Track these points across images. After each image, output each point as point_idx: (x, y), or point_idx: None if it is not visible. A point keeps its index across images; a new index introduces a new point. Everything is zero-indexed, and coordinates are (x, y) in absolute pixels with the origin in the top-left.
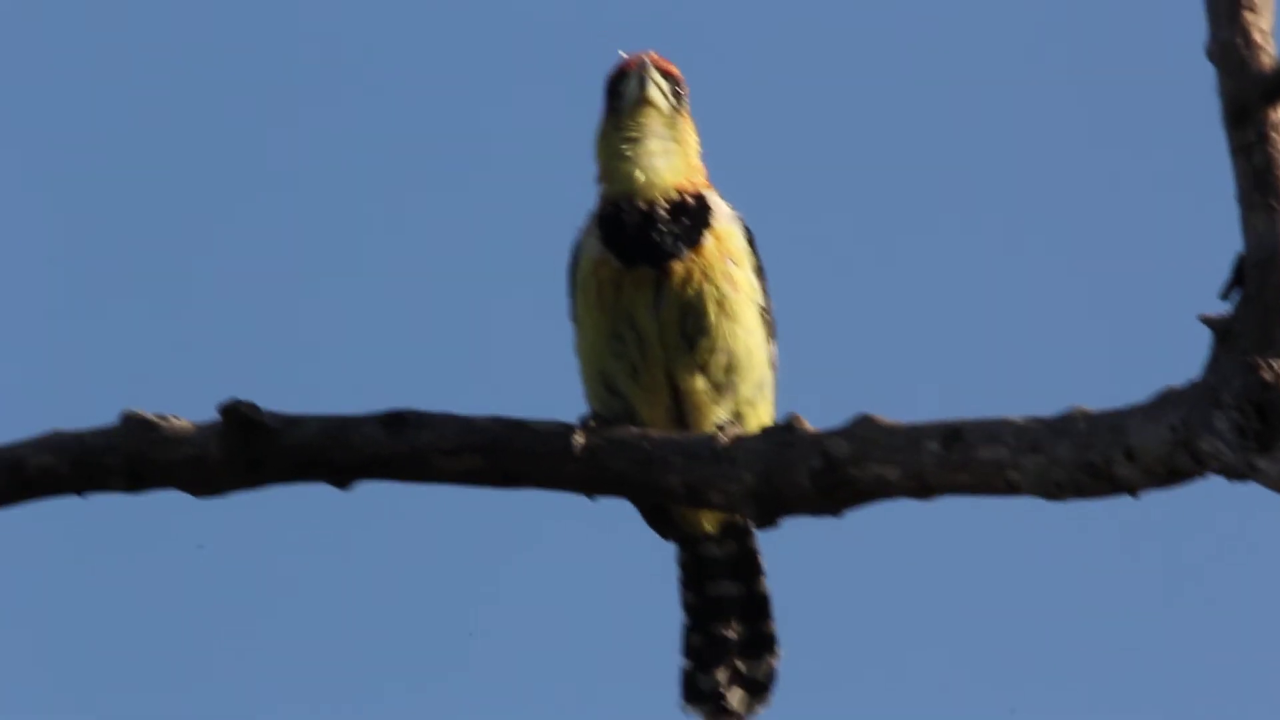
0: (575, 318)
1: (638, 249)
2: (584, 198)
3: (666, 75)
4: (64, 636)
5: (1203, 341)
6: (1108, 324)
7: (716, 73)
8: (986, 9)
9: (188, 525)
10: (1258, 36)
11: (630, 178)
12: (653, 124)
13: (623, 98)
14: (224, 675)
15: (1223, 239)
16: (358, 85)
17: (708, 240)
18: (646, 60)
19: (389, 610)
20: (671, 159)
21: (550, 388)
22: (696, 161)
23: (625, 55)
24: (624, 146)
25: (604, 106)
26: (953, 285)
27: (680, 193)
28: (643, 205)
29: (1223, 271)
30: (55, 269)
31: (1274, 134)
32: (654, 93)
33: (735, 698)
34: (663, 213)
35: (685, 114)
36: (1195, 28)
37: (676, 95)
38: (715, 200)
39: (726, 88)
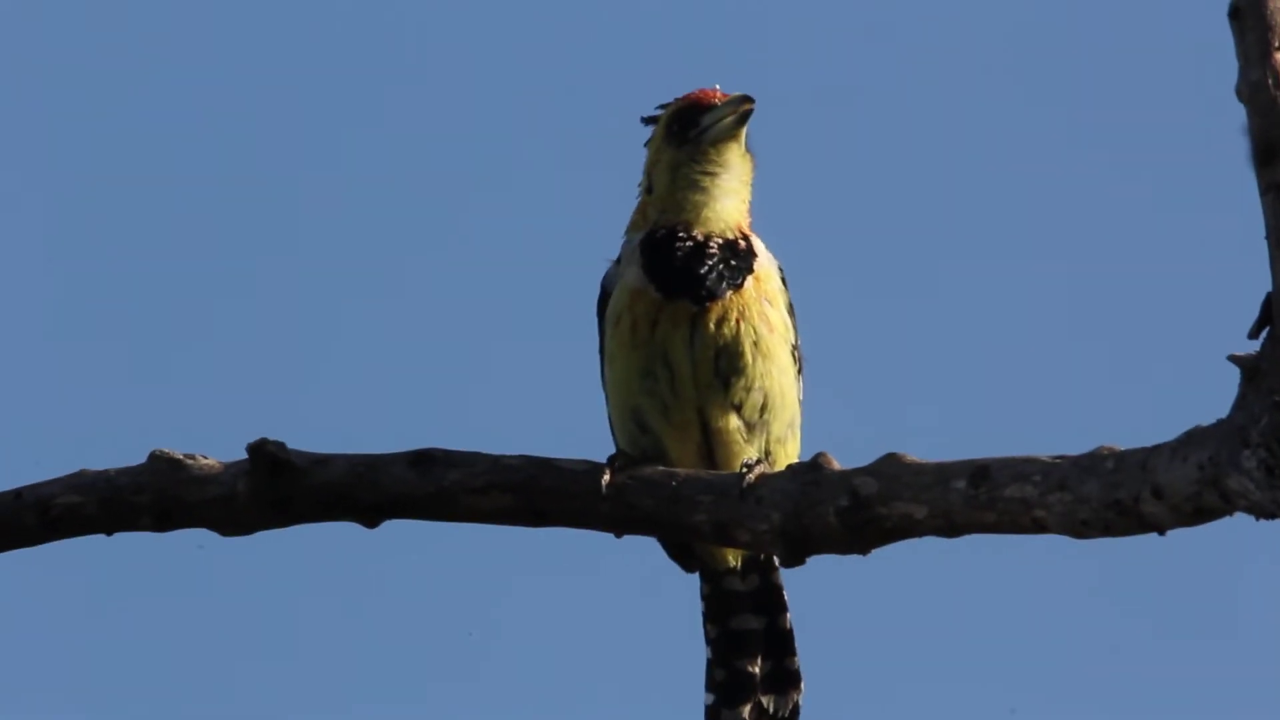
0: (606, 353)
1: (681, 281)
2: (608, 230)
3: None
4: (84, 666)
5: (1231, 380)
6: (1136, 362)
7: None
8: (1013, 54)
9: (204, 556)
10: None
11: (698, 207)
12: (733, 161)
13: (705, 129)
14: (234, 704)
15: (1252, 278)
16: (383, 125)
17: (748, 282)
18: (751, 97)
19: (411, 646)
20: (737, 200)
21: (574, 424)
22: (748, 206)
23: (705, 89)
24: (701, 178)
25: (668, 133)
26: (980, 323)
27: (735, 234)
28: (700, 235)
29: (1251, 311)
30: (80, 308)
31: None
32: (744, 131)
33: None
34: (714, 248)
35: (750, 155)
36: (1227, 68)
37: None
38: (758, 244)
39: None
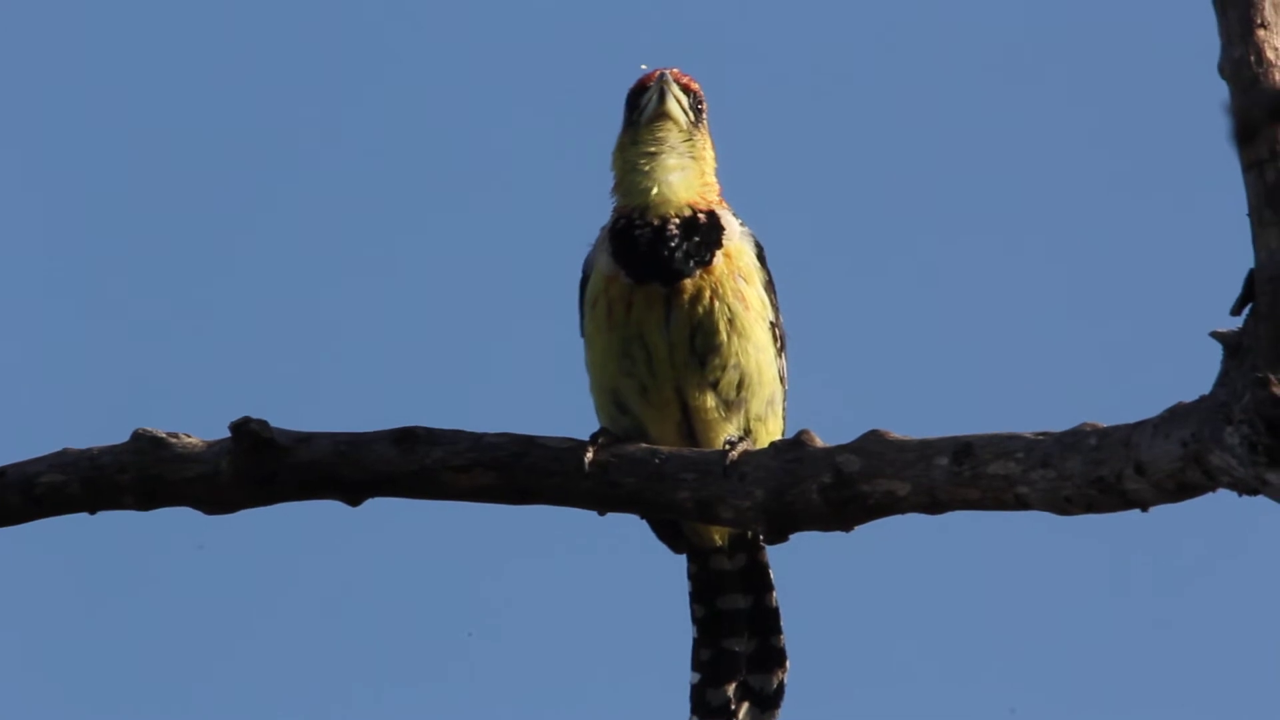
0: (585, 334)
1: (648, 265)
2: (593, 213)
3: (686, 90)
4: (69, 648)
5: (1214, 357)
6: (1119, 339)
7: (731, 80)
8: (1001, 30)
9: (192, 536)
10: (1270, 54)
11: (644, 192)
12: (670, 138)
13: (641, 110)
14: (228, 687)
15: (1234, 255)
16: (369, 105)
17: (718, 259)
18: (667, 74)
19: (399, 628)
20: (686, 175)
21: (558, 401)
22: (711, 178)
23: (646, 68)
24: (640, 160)
25: (623, 119)
26: (963, 300)
27: (693, 209)
28: (655, 220)
29: (1234, 287)
30: (65, 285)
31: None
32: (673, 106)
33: (744, 712)
34: (674, 229)
35: (704, 130)
36: (1209, 45)
37: (696, 110)
38: (727, 218)
39: (739, 94)
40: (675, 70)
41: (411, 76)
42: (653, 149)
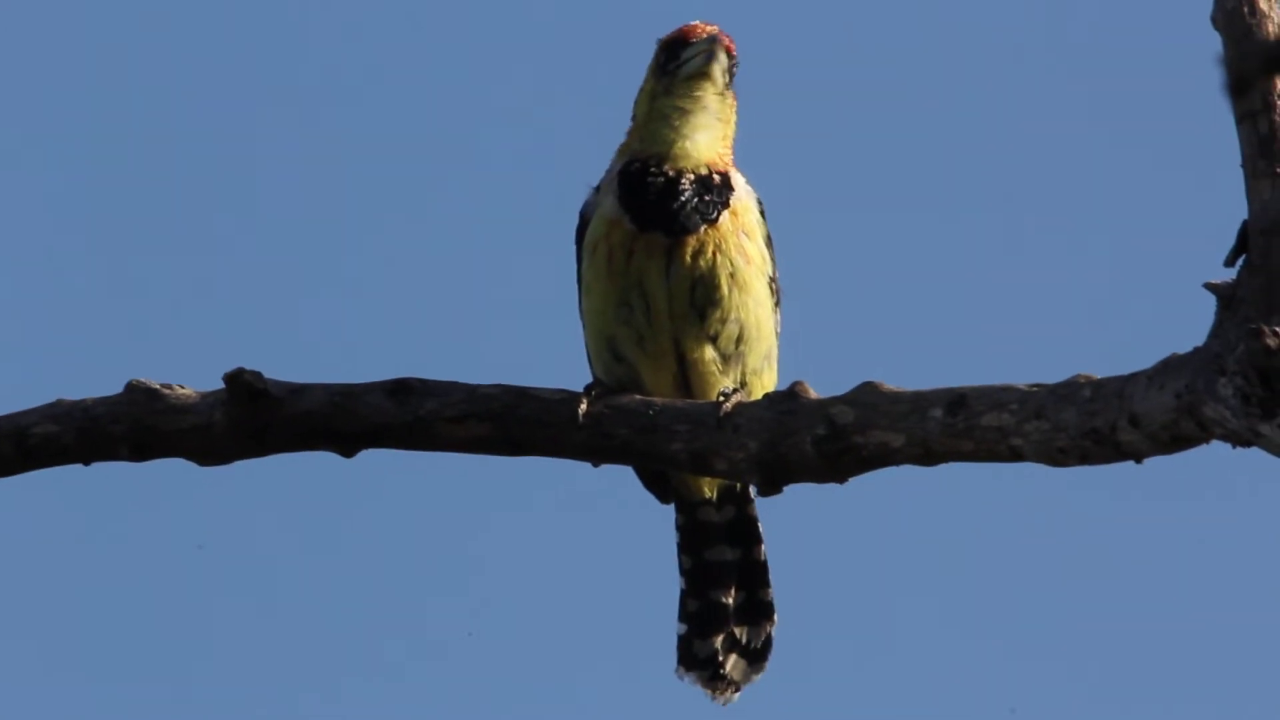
0: (583, 281)
1: (655, 214)
2: (586, 159)
3: (728, 52)
4: (60, 599)
5: (1207, 308)
6: (1112, 290)
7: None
8: None
9: (189, 499)
10: (1263, 4)
11: (669, 143)
12: (706, 98)
13: (683, 64)
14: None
15: (1228, 206)
16: (357, 57)
17: (724, 217)
18: (719, 35)
19: (387, 573)
20: (712, 135)
21: (551, 353)
22: (730, 143)
23: (697, 23)
24: (672, 113)
25: (656, 64)
26: (955, 252)
27: (709, 169)
28: (670, 171)
29: (1228, 238)
30: (58, 238)
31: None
32: (717, 69)
33: (731, 664)
34: (687, 184)
35: (732, 93)
36: None
37: (730, 74)
38: (737, 180)
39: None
40: (725, 34)
41: (389, 35)
42: (687, 106)
